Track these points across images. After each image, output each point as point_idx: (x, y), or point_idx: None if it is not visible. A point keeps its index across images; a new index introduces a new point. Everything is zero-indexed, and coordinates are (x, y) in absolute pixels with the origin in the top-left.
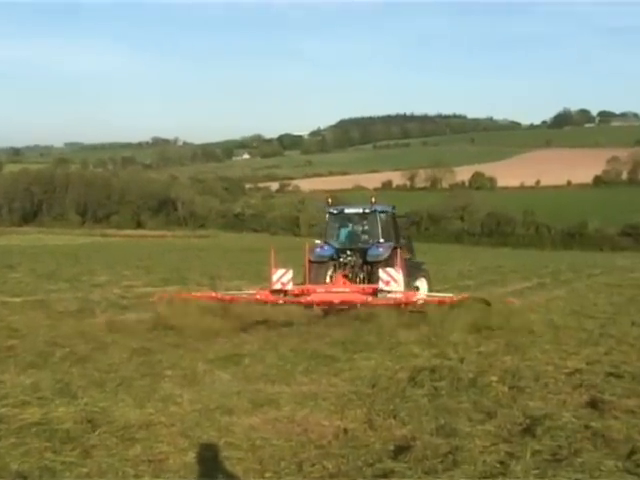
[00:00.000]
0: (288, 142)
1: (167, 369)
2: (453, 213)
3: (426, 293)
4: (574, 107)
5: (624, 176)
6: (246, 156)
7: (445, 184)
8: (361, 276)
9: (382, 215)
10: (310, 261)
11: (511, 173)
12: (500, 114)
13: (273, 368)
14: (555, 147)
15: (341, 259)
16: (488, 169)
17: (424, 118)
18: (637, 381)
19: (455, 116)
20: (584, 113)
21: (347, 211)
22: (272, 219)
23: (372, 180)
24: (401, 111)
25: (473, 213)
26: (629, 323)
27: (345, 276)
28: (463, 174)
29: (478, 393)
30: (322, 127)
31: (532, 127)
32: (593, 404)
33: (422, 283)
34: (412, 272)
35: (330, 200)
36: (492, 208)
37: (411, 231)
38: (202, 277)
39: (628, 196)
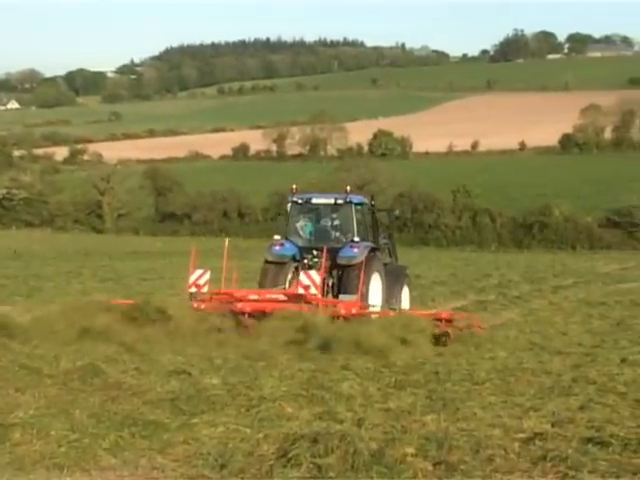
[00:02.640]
0: (82, 83)
1: None
2: (310, 191)
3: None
4: (530, 29)
5: (607, 134)
6: (13, 104)
7: (332, 149)
8: (330, 282)
9: (358, 207)
10: (266, 261)
11: (434, 131)
12: (417, 40)
13: (62, 445)
14: (501, 90)
15: (305, 260)
16: (398, 125)
17: (298, 46)
18: (631, 451)
19: (347, 43)
20: (546, 38)
21: (315, 201)
22: (58, 206)
23: (218, 144)
24: (262, 35)
25: (376, 194)
26: (617, 361)
27: None
28: (360, 133)
29: (386, 474)
30: (137, 60)
31: (466, 60)
32: None
33: (405, 294)
34: (394, 280)
35: (295, 187)
36: (405, 186)
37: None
38: None
39: (613, 166)
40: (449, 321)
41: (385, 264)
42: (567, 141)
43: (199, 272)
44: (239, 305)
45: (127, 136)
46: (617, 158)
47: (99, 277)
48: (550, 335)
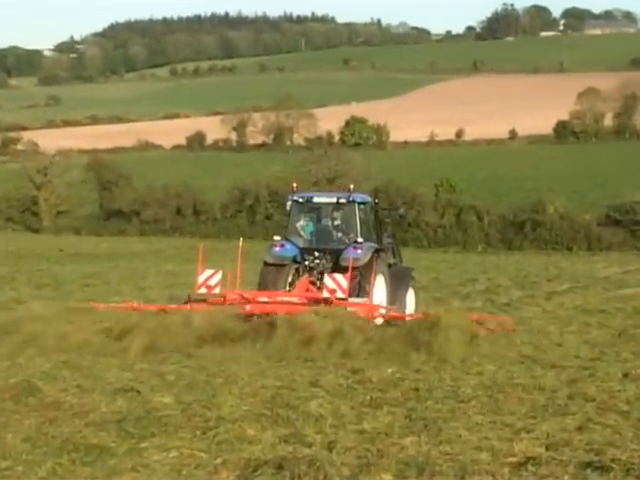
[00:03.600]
0: (15, 63)
1: None
2: (312, 189)
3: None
4: (521, 3)
5: (608, 121)
6: None
7: (299, 139)
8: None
9: (362, 207)
10: (266, 263)
11: (413, 118)
12: (394, 16)
13: None
14: (489, 72)
15: (306, 262)
16: (374, 111)
17: (260, 22)
18: (634, 476)
19: (315, 19)
20: (539, 13)
21: (316, 200)
22: None
23: (170, 132)
24: (219, 9)
25: (349, 188)
26: (618, 376)
27: (312, 283)
28: (330, 120)
29: None
30: (78, 37)
31: (449, 38)
32: None
33: (410, 296)
34: (399, 282)
35: (295, 185)
36: (381, 180)
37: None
38: None
39: (614, 157)
40: (479, 323)
41: (389, 265)
42: (563, 129)
43: (209, 272)
44: (247, 307)
45: (67, 123)
46: (618, 148)
47: (35, 283)
48: (544, 347)
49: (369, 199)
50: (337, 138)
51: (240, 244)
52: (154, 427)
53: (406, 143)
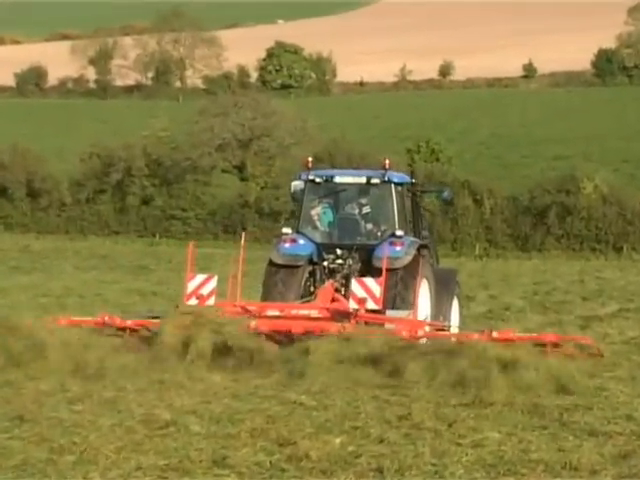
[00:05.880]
0: None
1: None
2: (220, 159)
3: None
4: None
5: None
6: None
7: (194, 78)
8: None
9: (399, 189)
10: (272, 263)
11: (373, 46)
12: None
13: None
14: None
15: (326, 262)
16: (312, 35)
17: None
18: None
19: None
20: None
21: (339, 180)
22: None
23: None
24: None
25: (274, 155)
26: None
27: (337, 291)
28: (244, 49)
29: None
30: None
31: None
32: None
33: (455, 308)
34: (443, 289)
35: (310, 160)
36: (324, 143)
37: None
38: None
39: None
40: (556, 345)
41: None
42: (606, 63)
43: (201, 277)
44: (252, 323)
45: None
46: None
47: None
48: (576, 402)
49: (407, 179)
50: (255, 77)
51: (242, 241)
52: None
53: (362, 85)
